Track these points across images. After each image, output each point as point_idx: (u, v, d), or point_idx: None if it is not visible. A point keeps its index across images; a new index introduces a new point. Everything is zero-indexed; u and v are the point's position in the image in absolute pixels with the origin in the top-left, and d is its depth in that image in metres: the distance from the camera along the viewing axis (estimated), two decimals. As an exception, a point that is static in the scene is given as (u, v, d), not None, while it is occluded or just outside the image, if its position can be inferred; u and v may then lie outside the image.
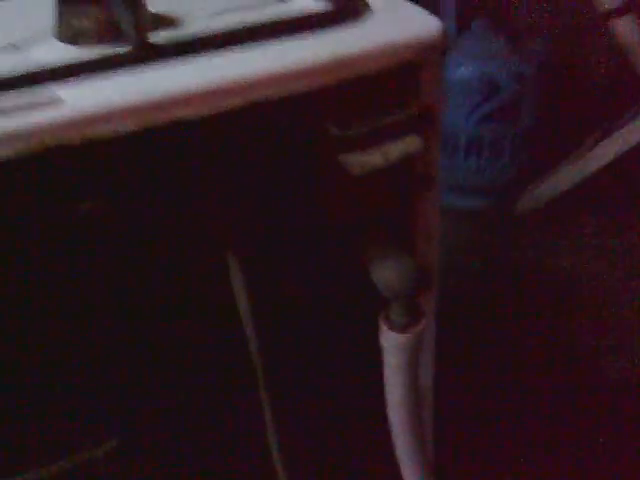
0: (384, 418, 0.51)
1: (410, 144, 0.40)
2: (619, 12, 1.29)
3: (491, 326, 1.47)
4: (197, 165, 0.40)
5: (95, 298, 0.44)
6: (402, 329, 0.46)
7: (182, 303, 0.46)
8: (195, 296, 0.45)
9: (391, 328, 0.46)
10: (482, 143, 1.64)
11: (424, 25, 0.40)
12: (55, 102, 0.34)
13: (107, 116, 0.35)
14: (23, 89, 0.35)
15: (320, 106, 0.39)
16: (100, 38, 0.39)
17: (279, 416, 0.50)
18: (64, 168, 0.37)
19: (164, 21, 0.40)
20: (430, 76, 0.41)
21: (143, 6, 0.38)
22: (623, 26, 1.33)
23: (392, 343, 0.47)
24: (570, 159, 1.61)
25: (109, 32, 0.39)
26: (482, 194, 1.73)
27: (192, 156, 0.39)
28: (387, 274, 0.45)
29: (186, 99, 0.36)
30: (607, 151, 1.52)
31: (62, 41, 0.40)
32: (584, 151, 1.57)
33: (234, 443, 0.51)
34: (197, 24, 0.40)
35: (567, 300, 1.56)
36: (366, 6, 0.42)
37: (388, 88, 0.40)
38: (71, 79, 0.36)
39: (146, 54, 0.37)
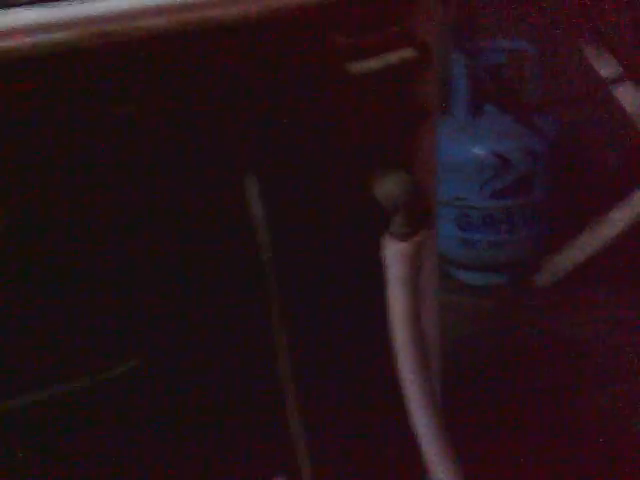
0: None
1: (406, 54, 0.46)
2: (617, 81, 1.38)
3: (510, 397, 1.46)
4: (217, 76, 0.46)
5: (122, 207, 0.48)
6: (402, 237, 0.50)
7: (201, 222, 0.50)
8: (213, 216, 0.50)
9: (393, 238, 0.50)
10: (496, 218, 1.69)
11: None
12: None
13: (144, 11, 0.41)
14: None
15: (330, 19, 0.46)
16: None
17: (293, 343, 0.53)
18: (104, 71, 0.43)
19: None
20: (424, 7, 0.47)
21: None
22: (624, 94, 1.41)
23: (394, 252, 0.50)
24: (585, 231, 1.65)
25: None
26: (499, 269, 1.76)
27: (213, 67, 0.45)
28: (388, 187, 0.50)
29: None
30: (620, 220, 1.57)
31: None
32: (598, 223, 1.62)
33: (248, 369, 0.53)
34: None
35: (586, 371, 1.54)
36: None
37: (389, 6, 0.47)
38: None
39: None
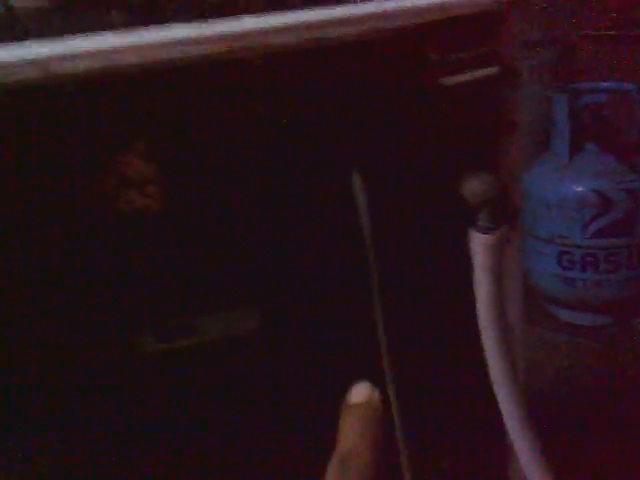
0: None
1: (491, 70, 0.54)
2: None
3: (605, 436, 1.43)
4: (329, 87, 0.55)
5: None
6: (486, 231, 0.56)
7: (306, 220, 0.59)
8: (326, 203, 0.59)
9: (478, 231, 0.57)
10: (598, 258, 1.70)
11: (502, -11, 0.55)
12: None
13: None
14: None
15: (426, 40, 0.54)
16: None
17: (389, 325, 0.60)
18: (242, 78, 0.54)
19: None
20: (507, 25, 0.55)
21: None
22: None
23: (479, 243, 0.57)
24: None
25: None
26: (600, 310, 1.75)
27: (328, 79, 0.54)
28: (474, 186, 0.57)
29: (326, 23, 0.52)
30: None
31: None
32: None
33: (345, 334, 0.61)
34: None
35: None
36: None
37: (477, 30, 0.55)
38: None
39: None
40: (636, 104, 1.62)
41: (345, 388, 0.60)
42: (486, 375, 0.59)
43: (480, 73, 0.54)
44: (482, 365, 0.59)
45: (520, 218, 0.62)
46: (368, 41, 0.54)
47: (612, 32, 1.37)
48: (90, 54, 0.49)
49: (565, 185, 1.68)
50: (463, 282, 0.58)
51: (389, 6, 0.53)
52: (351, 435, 0.37)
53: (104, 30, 0.49)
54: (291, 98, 0.54)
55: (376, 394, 0.39)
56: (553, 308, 1.80)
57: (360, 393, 0.39)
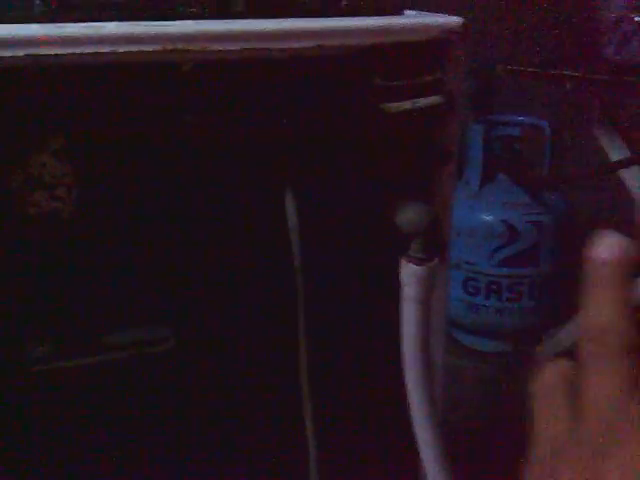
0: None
1: (434, 100, 0.53)
2: (625, 164, 1.45)
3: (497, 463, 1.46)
4: (271, 101, 0.52)
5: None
6: (419, 262, 0.55)
7: (245, 226, 0.56)
8: (257, 221, 0.56)
9: (410, 261, 0.55)
10: (502, 286, 1.74)
11: (448, 18, 0.55)
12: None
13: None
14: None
15: (371, 62, 0.53)
16: None
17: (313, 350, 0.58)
18: (172, 84, 0.50)
19: None
20: (452, 55, 0.54)
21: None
22: (630, 179, 1.48)
23: (410, 274, 0.55)
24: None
25: None
26: (502, 337, 1.80)
27: (265, 93, 0.52)
28: (410, 214, 0.56)
29: (278, 34, 0.49)
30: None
31: None
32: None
33: (270, 369, 0.58)
34: None
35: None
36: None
37: (422, 57, 0.53)
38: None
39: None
40: (547, 140, 1.68)
41: (264, 407, 0.58)
42: (404, 405, 0.58)
43: (423, 102, 0.52)
44: (402, 395, 0.58)
45: (448, 249, 0.62)
46: (312, 57, 0.51)
47: (532, 69, 1.42)
48: (10, 44, 0.44)
49: (475, 214, 1.71)
50: (391, 311, 0.56)
51: (335, 24, 0.52)
52: (607, 304, 0.28)
53: (27, 21, 0.45)
54: (221, 109, 0.51)
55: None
56: (457, 333, 1.83)
57: (611, 244, 0.30)
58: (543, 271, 1.71)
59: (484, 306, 1.76)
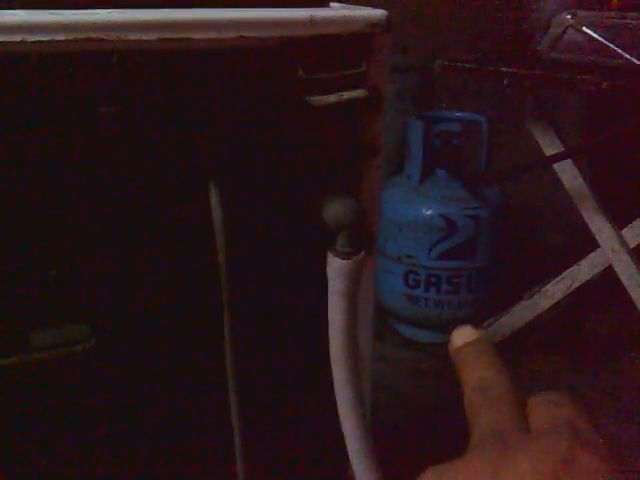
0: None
1: (359, 93, 0.53)
2: (559, 158, 1.48)
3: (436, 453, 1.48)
4: (193, 92, 0.51)
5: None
6: (345, 256, 0.55)
7: (168, 219, 0.55)
8: (180, 215, 0.55)
9: (336, 256, 0.55)
10: (441, 279, 1.77)
11: (372, 11, 0.54)
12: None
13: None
14: None
15: (294, 55, 0.52)
16: None
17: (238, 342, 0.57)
18: (89, 74, 0.48)
19: None
20: (377, 48, 0.54)
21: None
22: (563, 173, 1.52)
23: (336, 269, 0.55)
24: (523, 298, 1.73)
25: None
26: (441, 329, 1.82)
27: (187, 84, 0.51)
28: (335, 208, 0.55)
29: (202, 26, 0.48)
30: (556, 291, 1.65)
31: None
32: (536, 291, 1.70)
33: (198, 362, 0.57)
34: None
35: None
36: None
37: (347, 51, 0.53)
38: None
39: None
40: (485, 136, 1.71)
41: (188, 404, 0.57)
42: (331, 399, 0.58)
43: (348, 95, 0.52)
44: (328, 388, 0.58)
45: (376, 241, 0.62)
46: (234, 49, 0.51)
47: (472, 65, 1.43)
48: None
49: (415, 208, 1.73)
50: (317, 305, 0.56)
51: (257, 14, 0.51)
52: (478, 368, 0.35)
53: None
54: (140, 100, 0.50)
55: (480, 331, 0.37)
56: (398, 325, 1.85)
57: (464, 333, 0.37)
58: (480, 263, 1.75)
59: (424, 298, 1.79)
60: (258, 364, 0.57)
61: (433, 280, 1.78)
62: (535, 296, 1.69)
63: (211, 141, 0.52)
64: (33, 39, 0.43)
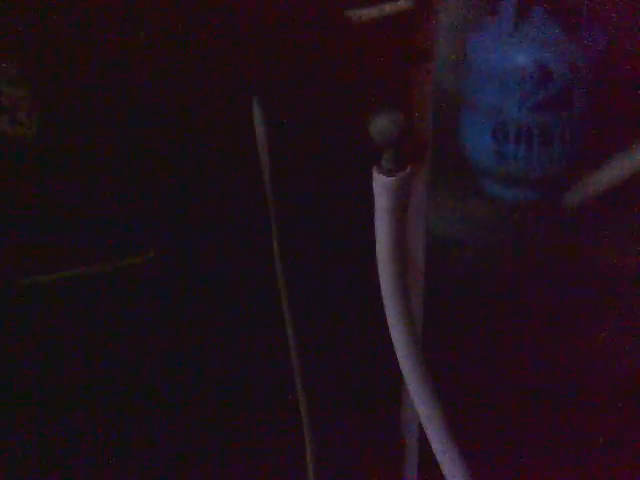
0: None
1: (403, 4, 0.47)
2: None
3: (510, 311, 1.48)
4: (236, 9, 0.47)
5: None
6: (390, 172, 0.52)
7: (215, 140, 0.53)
8: (225, 135, 0.53)
9: (381, 172, 0.52)
10: (532, 132, 1.67)
11: None
12: None
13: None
14: None
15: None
16: None
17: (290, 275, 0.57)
18: None
19: None
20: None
21: None
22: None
23: (381, 185, 0.53)
24: (622, 153, 1.62)
25: None
26: (531, 185, 1.75)
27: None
28: (381, 123, 0.52)
29: None
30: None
31: None
32: (634, 148, 1.58)
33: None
34: None
35: (608, 297, 1.54)
36: None
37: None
38: None
39: None
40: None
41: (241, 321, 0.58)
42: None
43: (390, 8, 0.46)
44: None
45: (429, 152, 0.58)
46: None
47: None
48: None
49: (507, 55, 1.60)
50: (365, 224, 0.54)
51: None
52: None
53: None
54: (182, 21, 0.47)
55: None
56: (484, 182, 1.79)
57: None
58: (577, 116, 1.63)
59: (513, 154, 1.71)
60: (305, 280, 0.57)
61: (524, 134, 1.68)
62: (633, 151, 1.57)
63: (253, 58, 0.49)
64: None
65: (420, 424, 0.57)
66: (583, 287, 1.52)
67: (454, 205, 1.70)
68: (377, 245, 0.54)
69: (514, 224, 1.71)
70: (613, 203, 1.66)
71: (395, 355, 0.57)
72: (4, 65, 0.48)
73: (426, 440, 0.56)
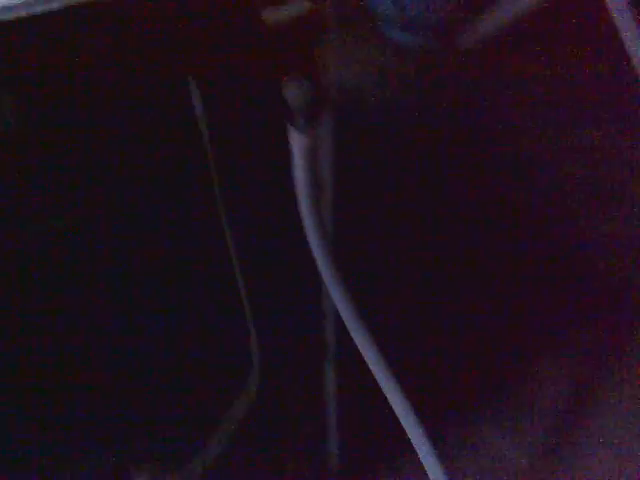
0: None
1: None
2: None
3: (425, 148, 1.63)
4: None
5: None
6: (302, 130, 0.67)
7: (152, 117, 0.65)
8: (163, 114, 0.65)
9: (295, 129, 0.67)
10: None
11: None
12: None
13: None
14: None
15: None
16: None
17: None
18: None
19: None
20: None
21: None
22: None
23: (296, 141, 0.68)
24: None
25: None
26: (426, 29, 1.85)
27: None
28: (293, 91, 0.66)
29: None
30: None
31: None
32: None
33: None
34: None
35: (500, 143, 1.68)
36: None
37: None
38: None
39: None
40: None
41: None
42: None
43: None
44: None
45: (333, 107, 0.72)
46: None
47: None
48: None
49: None
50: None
51: None
52: None
53: None
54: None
55: None
56: (384, 28, 1.88)
57: None
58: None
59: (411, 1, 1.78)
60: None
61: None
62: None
63: (188, 43, 0.60)
64: None
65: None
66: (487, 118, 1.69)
67: (356, 52, 1.79)
68: (296, 181, 0.70)
69: (415, 68, 1.82)
70: (506, 43, 1.77)
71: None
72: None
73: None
